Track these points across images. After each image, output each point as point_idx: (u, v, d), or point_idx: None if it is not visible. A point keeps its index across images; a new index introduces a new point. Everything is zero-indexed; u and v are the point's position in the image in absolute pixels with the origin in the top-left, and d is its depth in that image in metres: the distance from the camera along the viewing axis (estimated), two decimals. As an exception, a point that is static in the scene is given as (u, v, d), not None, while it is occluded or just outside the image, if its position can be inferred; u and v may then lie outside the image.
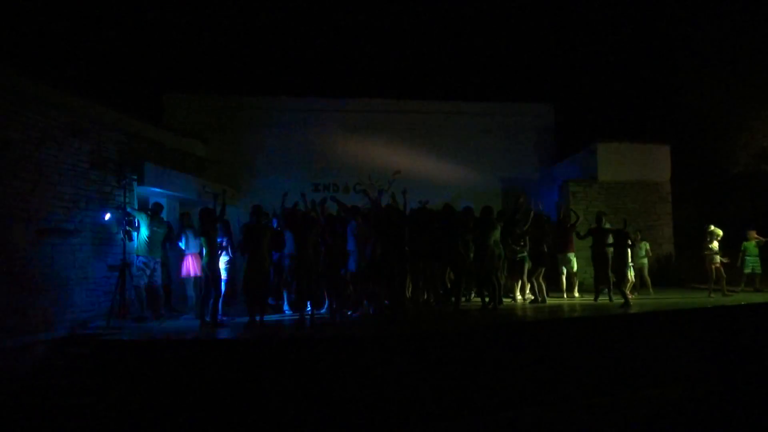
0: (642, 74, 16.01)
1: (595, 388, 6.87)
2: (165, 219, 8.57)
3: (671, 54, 15.35)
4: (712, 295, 9.08)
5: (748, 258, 9.48)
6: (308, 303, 7.60)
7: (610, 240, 8.63)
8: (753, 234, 9.54)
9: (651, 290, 9.78)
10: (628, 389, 6.99)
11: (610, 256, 8.58)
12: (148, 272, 7.87)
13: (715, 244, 9.10)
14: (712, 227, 9.21)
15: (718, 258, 9.06)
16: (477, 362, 6.55)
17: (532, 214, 9.10)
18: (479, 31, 17.81)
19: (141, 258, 7.88)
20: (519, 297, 9.37)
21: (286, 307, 8.48)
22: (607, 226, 9.15)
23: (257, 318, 7.25)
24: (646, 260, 9.86)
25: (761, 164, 13.05)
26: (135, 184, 8.41)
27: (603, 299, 8.98)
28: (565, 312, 8.11)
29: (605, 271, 8.73)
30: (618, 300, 8.53)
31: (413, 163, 13.06)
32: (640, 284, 9.73)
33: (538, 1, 17.53)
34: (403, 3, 17.60)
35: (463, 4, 17.87)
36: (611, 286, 8.83)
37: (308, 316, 7.41)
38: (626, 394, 6.92)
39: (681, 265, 11.95)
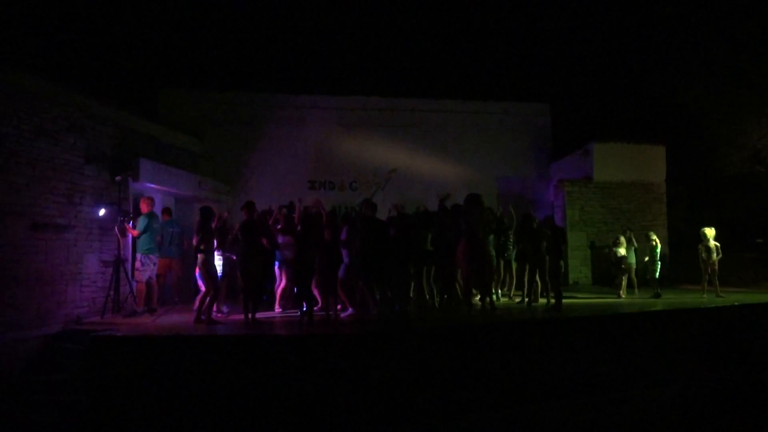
0: (638, 75, 16.07)
1: (591, 388, 6.90)
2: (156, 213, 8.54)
3: (667, 55, 15.42)
4: (705, 295, 9.15)
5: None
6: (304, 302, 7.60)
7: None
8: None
9: (636, 291, 9.80)
10: (624, 389, 7.02)
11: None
12: (151, 267, 7.86)
13: (711, 244, 9.14)
14: (704, 228, 9.29)
15: (713, 257, 9.11)
16: (473, 361, 6.57)
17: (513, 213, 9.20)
18: (476, 30, 17.82)
19: (147, 255, 7.86)
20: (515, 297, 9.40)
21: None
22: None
23: (249, 315, 7.25)
24: (634, 261, 9.84)
25: (755, 165, 13.13)
26: (130, 179, 8.37)
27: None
28: (561, 311, 8.12)
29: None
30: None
31: (409, 161, 13.12)
32: (627, 284, 9.76)
33: (534, 0, 17.56)
34: (401, 1, 17.59)
35: (460, 3, 17.88)
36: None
37: (304, 315, 7.42)
38: (624, 394, 6.95)
39: (675, 265, 12.03)
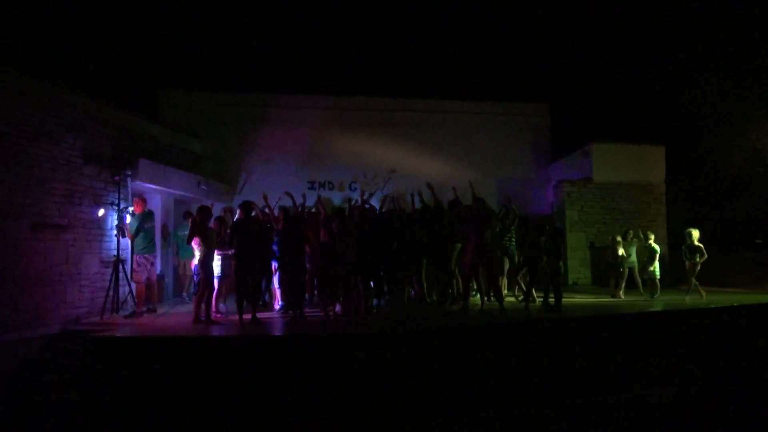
0: (637, 75, 16.07)
1: (591, 388, 6.90)
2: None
3: (666, 55, 15.43)
4: (704, 296, 9.15)
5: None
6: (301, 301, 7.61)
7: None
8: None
9: (641, 290, 9.76)
10: (625, 389, 7.01)
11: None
12: (148, 266, 7.85)
13: (695, 244, 9.14)
14: (690, 228, 9.30)
15: (696, 258, 9.13)
16: (473, 361, 6.57)
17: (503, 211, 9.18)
18: (476, 30, 17.83)
19: (143, 255, 7.84)
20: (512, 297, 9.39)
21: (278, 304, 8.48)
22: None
23: (247, 316, 7.23)
24: (635, 261, 9.80)
25: (755, 166, 13.14)
26: (129, 179, 8.37)
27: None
28: (562, 312, 8.12)
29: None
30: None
31: (408, 161, 13.10)
32: (626, 284, 9.74)
33: (534, 1, 17.56)
34: (400, 1, 17.60)
35: (460, 4, 17.88)
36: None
37: (301, 314, 7.43)
38: (624, 394, 6.94)
39: (675, 266, 12.00)
